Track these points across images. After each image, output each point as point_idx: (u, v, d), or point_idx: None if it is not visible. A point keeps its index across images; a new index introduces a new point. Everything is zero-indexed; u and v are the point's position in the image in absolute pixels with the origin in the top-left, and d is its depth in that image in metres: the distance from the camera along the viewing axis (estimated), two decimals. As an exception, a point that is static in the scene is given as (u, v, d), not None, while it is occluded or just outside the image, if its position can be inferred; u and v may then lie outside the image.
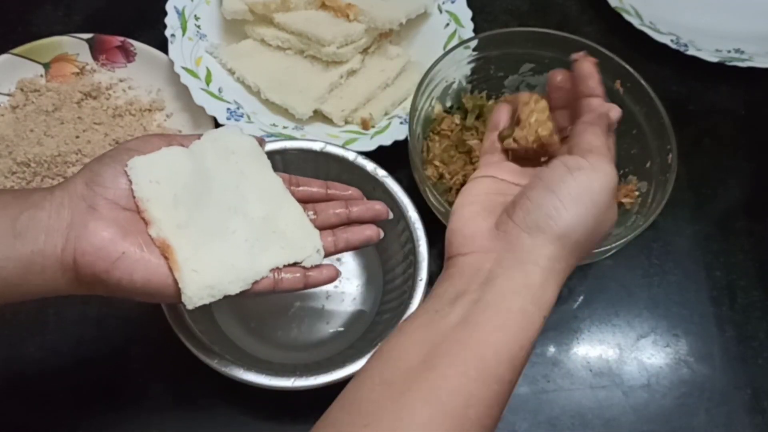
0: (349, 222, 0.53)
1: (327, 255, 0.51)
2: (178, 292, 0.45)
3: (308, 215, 0.52)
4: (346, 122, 0.71)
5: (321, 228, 0.52)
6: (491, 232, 0.43)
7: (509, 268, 0.41)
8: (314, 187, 0.54)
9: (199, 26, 0.73)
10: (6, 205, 0.43)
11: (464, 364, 0.38)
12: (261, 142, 0.53)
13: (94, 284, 0.44)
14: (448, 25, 0.77)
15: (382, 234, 0.54)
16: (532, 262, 0.41)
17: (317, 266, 0.50)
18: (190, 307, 0.45)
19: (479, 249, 0.43)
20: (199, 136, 0.51)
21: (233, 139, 0.51)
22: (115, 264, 0.43)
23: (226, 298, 0.46)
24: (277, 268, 0.48)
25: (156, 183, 0.46)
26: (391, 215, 0.55)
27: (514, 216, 0.43)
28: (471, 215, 0.45)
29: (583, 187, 0.42)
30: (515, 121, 0.51)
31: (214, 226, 0.48)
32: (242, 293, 0.47)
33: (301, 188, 0.53)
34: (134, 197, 0.46)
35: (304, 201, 0.53)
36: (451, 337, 0.39)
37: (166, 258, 0.45)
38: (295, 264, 0.49)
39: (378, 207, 0.54)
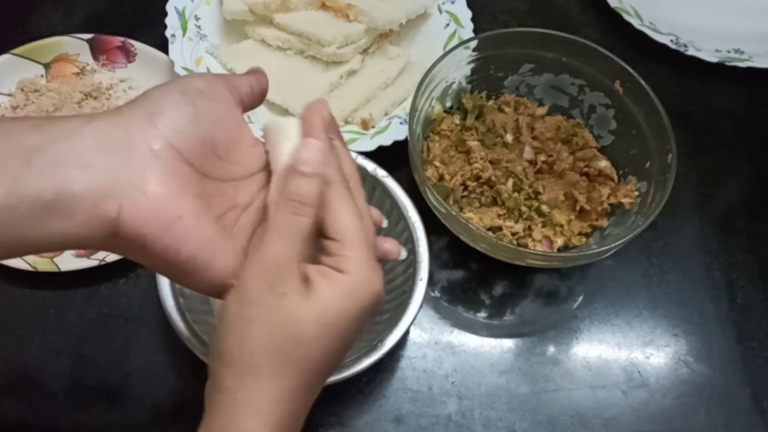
0: None
1: None
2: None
3: None
4: (346, 122, 0.71)
5: None
6: None
7: None
8: None
9: (199, 26, 0.73)
10: (24, 132, 0.33)
11: None
12: None
13: (132, 246, 0.35)
14: (448, 25, 0.77)
15: (404, 253, 0.45)
16: None
17: None
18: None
19: None
20: None
21: None
22: (168, 229, 0.35)
23: None
24: None
25: None
26: (385, 223, 0.47)
27: None
28: None
29: None
30: None
31: None
32: None
33: None
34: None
35: None
36: None
37: None
38: None
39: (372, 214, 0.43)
